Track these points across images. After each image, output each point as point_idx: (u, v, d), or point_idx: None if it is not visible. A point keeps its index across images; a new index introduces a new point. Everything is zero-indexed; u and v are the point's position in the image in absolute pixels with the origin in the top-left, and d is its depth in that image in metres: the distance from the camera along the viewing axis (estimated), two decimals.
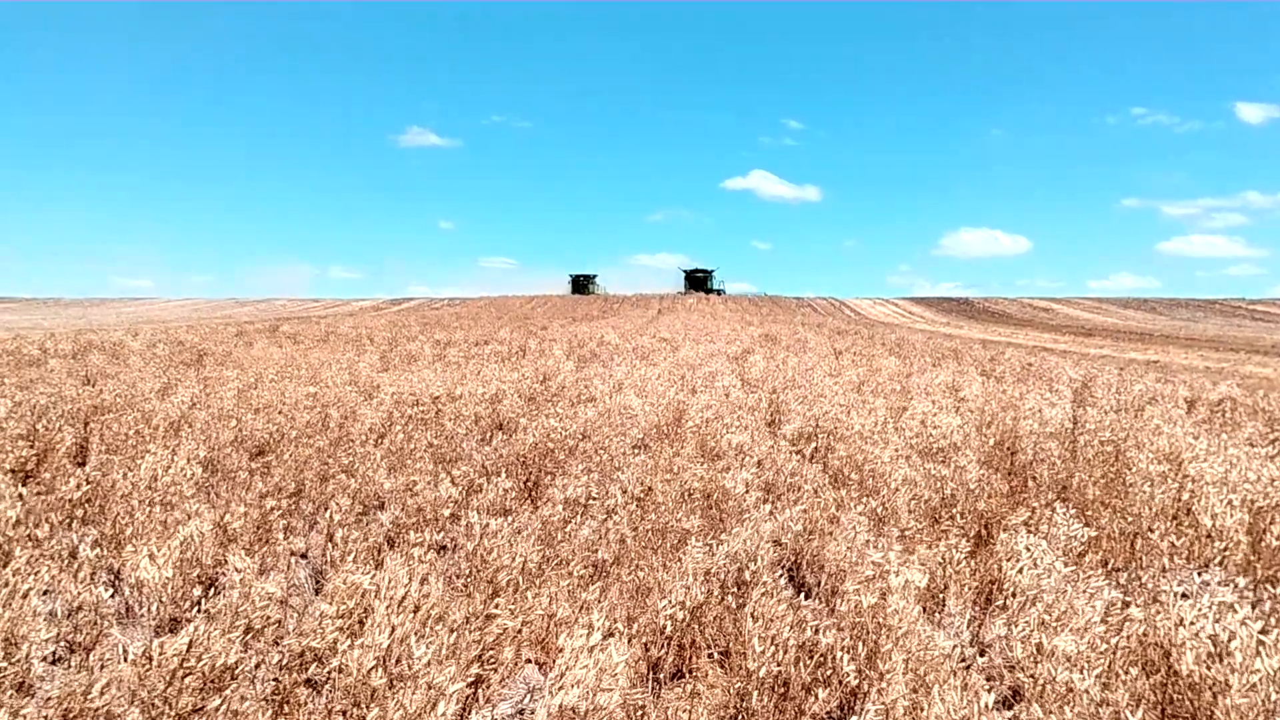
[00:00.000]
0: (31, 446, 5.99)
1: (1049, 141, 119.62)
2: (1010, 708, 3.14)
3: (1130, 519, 4.74)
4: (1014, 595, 3.64)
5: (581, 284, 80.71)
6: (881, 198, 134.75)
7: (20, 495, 4.65)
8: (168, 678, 2.78)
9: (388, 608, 3.21)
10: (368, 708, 2.77)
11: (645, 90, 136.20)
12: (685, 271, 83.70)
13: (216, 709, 2.72)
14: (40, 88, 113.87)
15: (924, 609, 3.74)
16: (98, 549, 4.08)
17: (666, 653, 3.39)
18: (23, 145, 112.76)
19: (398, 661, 2.96)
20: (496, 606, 3.46)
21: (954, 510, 4.94)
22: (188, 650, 2.85)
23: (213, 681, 2.84)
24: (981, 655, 3.36)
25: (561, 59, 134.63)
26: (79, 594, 3.59)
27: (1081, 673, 2.81)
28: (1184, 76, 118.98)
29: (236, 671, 2.91)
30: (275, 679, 3.03)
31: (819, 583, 4.12)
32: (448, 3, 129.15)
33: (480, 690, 3.15)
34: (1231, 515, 4.47)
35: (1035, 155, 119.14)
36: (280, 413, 7.71)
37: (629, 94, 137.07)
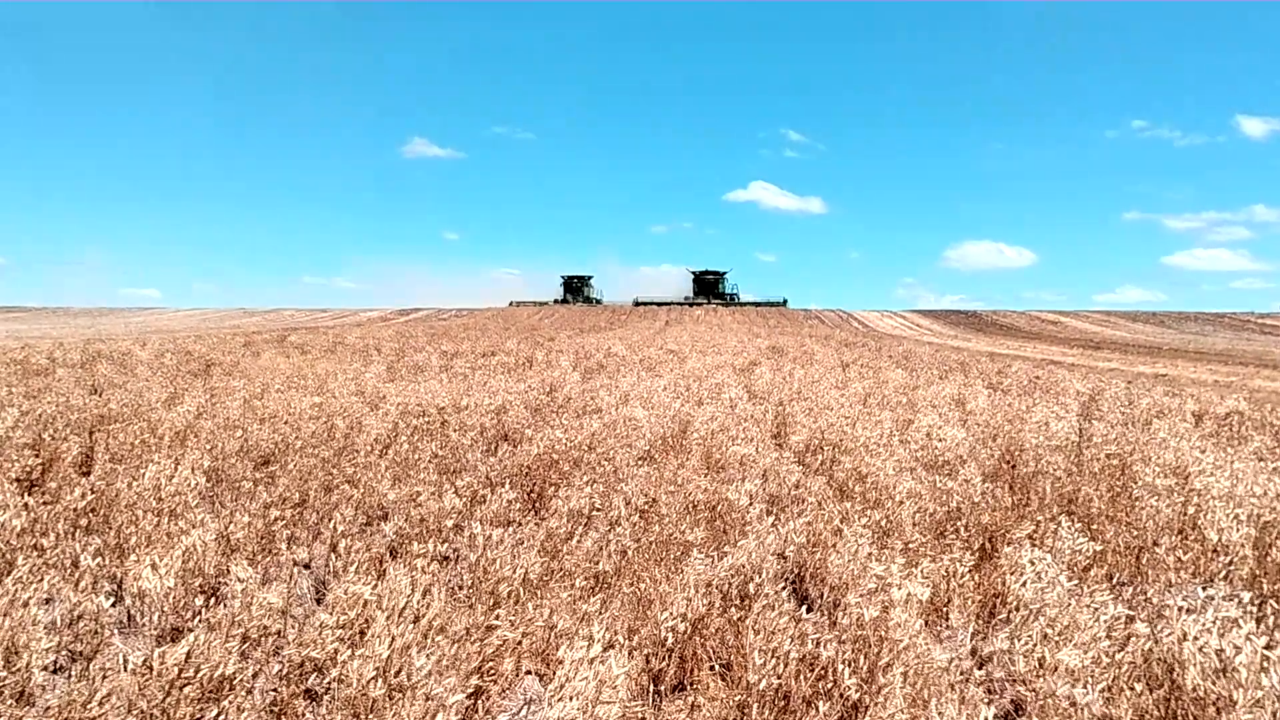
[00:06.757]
0: (37, 456, 6.02)
1: (1049, 155, 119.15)
2: None
3: (1136, 533, 4.71)
4: (1017, 609, 3.62)
5: (575, 286, 74.19)
6: (885, 210, 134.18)
7: (26, 504, 4.68)
8: (167, 687, 2.78)
9: (388, 618, 3.21)
10: (366, 718, 2.77)
11: (645, 102, 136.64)
12: (694, 273, 72.73)
13: (214, 719, 2.73)
14: (47, 97, 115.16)
15: (927, 622, 3.72)
16: (100, 558, 4.10)
17: (667, 665, 3.38)
18: (30, 154, 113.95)
19: (398, 672, 2.96)
20: (497, 617, 3.45)
21: (958, 523, 4.91)
22: (186, 660, 2.86)
23: (211, 692, 2.85)
24: (982, 669, 3.33)
25: (561, 71, 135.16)
26: (80, 603, 3.60)
27: (1084, 687, 2.78)
28: (1184, 90, 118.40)
29: (235, 681, 2.91)
30: (274, 689, 3.03)
31: (822, 595, 4.09)
32: (446, 13, 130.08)
33: (480, 701, 3.14)
34: (1237, 530, 4.44)
35: (1036, 168, 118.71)
36: (286, 423, 7.74)
37: (629, 106, 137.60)
